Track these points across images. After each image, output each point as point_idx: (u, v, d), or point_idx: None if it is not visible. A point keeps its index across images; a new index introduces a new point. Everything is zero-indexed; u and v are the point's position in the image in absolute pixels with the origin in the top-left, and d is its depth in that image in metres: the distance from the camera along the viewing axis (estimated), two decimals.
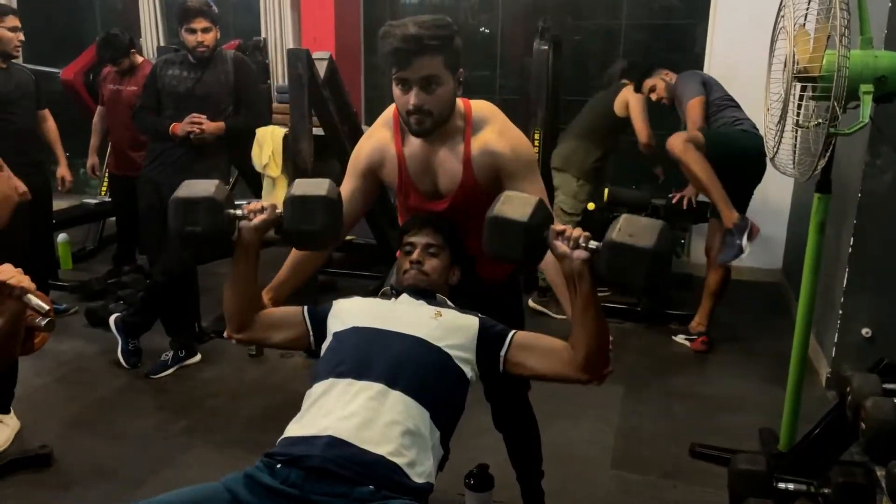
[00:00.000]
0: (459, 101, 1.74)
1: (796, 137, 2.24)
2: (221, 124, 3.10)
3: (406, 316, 1.60)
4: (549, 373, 1.58)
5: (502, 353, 1.58)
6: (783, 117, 2.12)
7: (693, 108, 3.60)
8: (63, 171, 4.00)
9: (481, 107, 1.77)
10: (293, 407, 2.94)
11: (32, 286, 1.44)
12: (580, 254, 1.42)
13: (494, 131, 1.73)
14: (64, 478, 2.51)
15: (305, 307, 1.72)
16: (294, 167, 3.30)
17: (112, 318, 3.40)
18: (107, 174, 4.61)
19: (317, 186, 1.59)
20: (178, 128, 3.06)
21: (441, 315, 1.61)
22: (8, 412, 2.73)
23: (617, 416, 2.97)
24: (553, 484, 2.24)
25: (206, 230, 1.53)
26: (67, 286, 4.32)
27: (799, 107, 2.19)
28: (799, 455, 2.08)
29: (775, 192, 4.54)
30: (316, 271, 1.91)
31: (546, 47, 4.19)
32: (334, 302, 1.71)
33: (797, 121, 2.19)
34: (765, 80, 2.31)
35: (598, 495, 2.46)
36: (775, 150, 2.22)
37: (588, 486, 2.50)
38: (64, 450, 2.64)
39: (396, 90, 1.65)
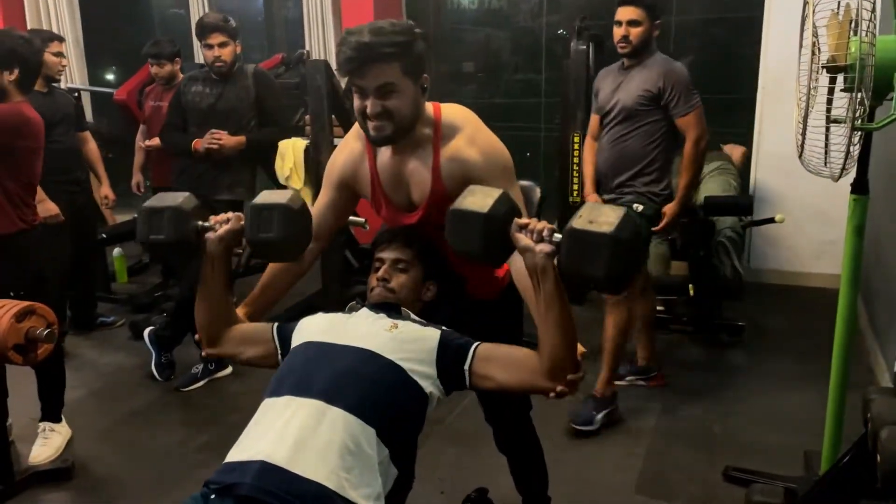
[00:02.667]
0: (429, 107, 1.65)
1: (827, 134, 2.04)
2: (242, 139, 3.11)
3: (359, 329, 1.53)
4: (515, 384, 1.49)
5: (466, 366, 1.49)
6: (806, 111, 1.92)
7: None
8: (105, 190, 4.12)
9: (452, 112, 1.67)
10: None
11: None
12: (543, 247, 1.34)
13: (464, 138, 1.63)
14: (80, 494, 2.54)
15: (275, 324, 1.67)
16: (317, 179, 3.27)
17: (146, 332, 3.46)
18: (152, 189, 4.73)
19: (279, 196, 1.57)
20: (199, 144, 3.09)
21: (397, 327, 1.52)
22: (59, 421, 2.80)
23: (649, 436, 2.79)
24: None
25: (170, 238, 1.56)
26: (118, 299, 4.46)
27: (829, 101, 2.00)
28: (824, 487, 1.86)
29: (844, 193, 4.23)
30: (290, 285, 1.86)
31: (584, 47, 4.03)
32: (301, 320, 1.65)
33: (827, 115, 1.99)
34: None
35: None
36: (800, 147, 2.02)
37: None
38: (86, 463, 2.69)
39: (355, 98, 1.58)
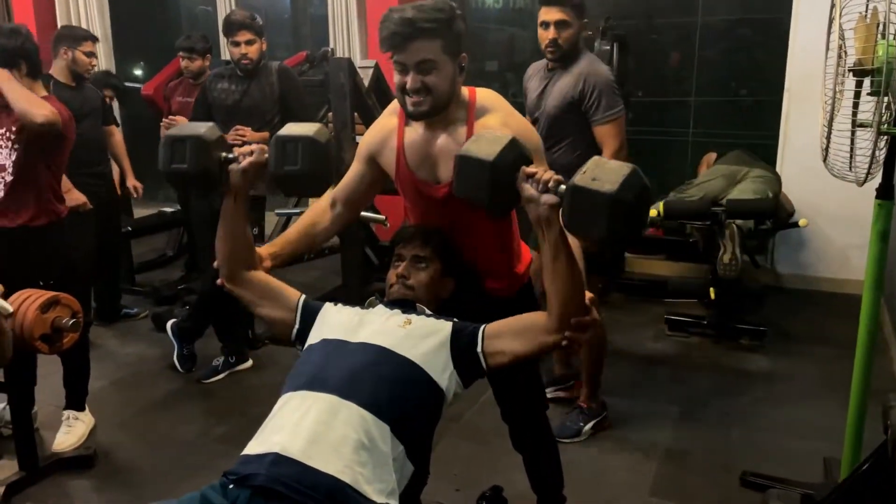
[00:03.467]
0: (464, 89, 1.69)
1: (853, 138, 2.02)
2: (265, 135, 3.14)
3: (374, 326, 1.54)
4: (528, 348, 1.50)
5: (479, 349, 1.50)
6: (832, 115, 1.90)
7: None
8: (132, 181, 4.17)
9: (486, 95, 1.71)
10: None
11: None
12: (548, 198, 1.34)
13: (498, 119, 1.66)
14: (104, 481, 2.59)
15: (303, 298, 1.69)
16: (339, 176, 3.29)
17: (169, 324, 3.51)
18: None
19: (304, 128, 1.55)
20: None
21: (410, 323, 1.54)
22: (83, 409, 2.87)
23: (667, 439, 2.78)
24: None
25: (192, 168, 1.53)
26: (141, 291, 4.52)
27: (856, 104, 1.97)
28: (842, 495, 1.85)
29: (871, 197, 4.17)
30: (323, 241, 1.92)
31: (608, 47, 4.02)
32: (326, 304, 1.67)
33: (853, 119, 1.97)
34: None
35: None
36: (825, 151, 2.00)
37: None
38: (108, 451, 2.74)
39: (395, 73, 1.62)
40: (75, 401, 2.84)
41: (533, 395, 2.00)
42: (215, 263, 1.69)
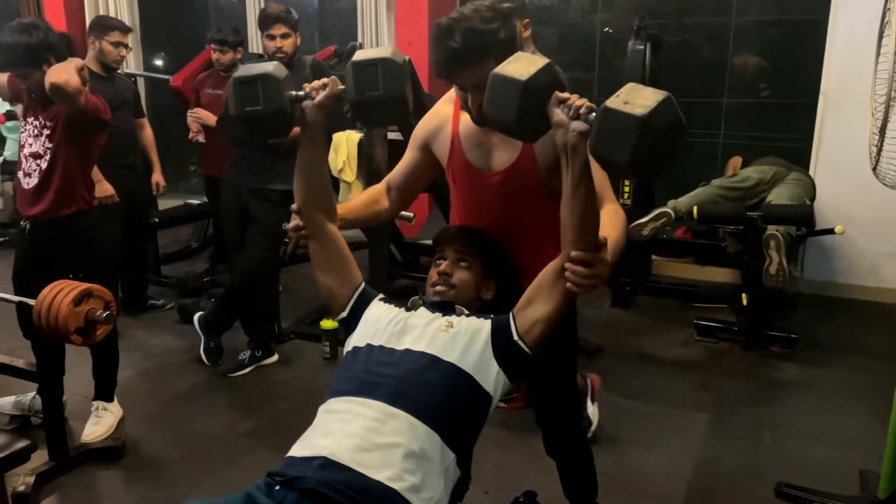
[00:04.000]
0: None
1: None
2: (298, 129, 3.11)
3: (418, 331, 1.52)
4: (556, 302, 1.46)
5: (515, 337, 1.48)
6: (884, 122, 1.85)
7: None
8: (157, 176, 4.17)
9: None
10: None
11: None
12: (577, 125, 1.29)
13: None
14: (133, 472, 2.59)
15: (363, 284, 1.67)
16: (369, 172, 3.27)
17: (196, 317, 3.52)
18: (202, 176, 4.78)
19: (380, 50, 1.50)
20: None
21: (452, 325, 1.51)
22: (112, 400, 2.87)
23: (699, 447, 2.74)
24: None
25: (266, 109, 1.48)
26: (167, 283, 4.54)
27: None
28: None
29: None
30: (384, 219, 1.95)
31: (641, 47, 3.97)
32: (375, 300, 1.65)
33: None
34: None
35: None
36: (876, 158, 1.95)
37: None
38: (136, 443, 2.74)
39: (455, 86, 1.63)
40: (104, 391, 2.85)
41: (569, 400, 1.96)
42: (293, 206, 1.64)
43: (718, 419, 2.95)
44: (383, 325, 1.56)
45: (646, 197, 4.28)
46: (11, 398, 2.84)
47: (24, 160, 2.60)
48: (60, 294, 2.22)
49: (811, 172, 4.37)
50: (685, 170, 4.97)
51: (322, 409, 1.47)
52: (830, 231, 3.45)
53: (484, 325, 1.51)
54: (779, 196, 3.76)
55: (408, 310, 1.61)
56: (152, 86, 6.59)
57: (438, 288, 1.64)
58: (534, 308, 1.48)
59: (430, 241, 4.58)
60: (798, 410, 3.04)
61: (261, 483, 1.36)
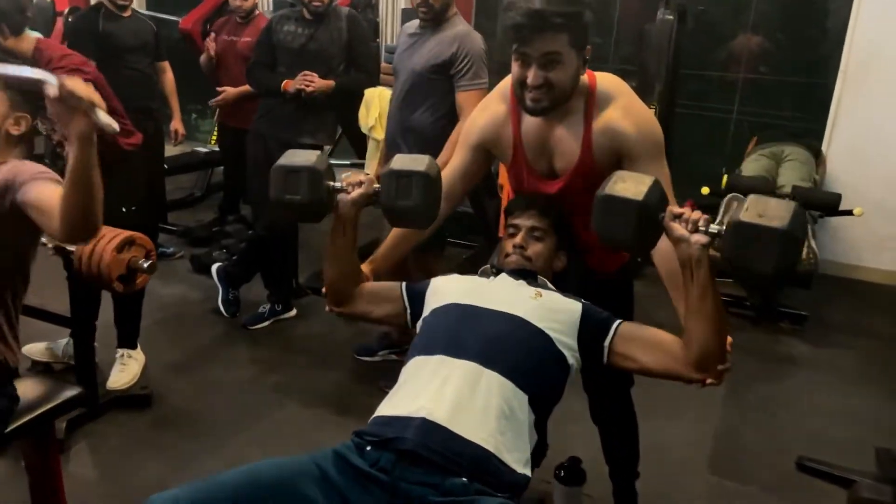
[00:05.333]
0: (584, 76, 1.62)
1: None
2: (332, 82, 3.06)
3: (504, 294, 1.53)
4: (658, 369, 1.49)
5: (606, 342, 1.49)
6: None
7: None
8: (176, 124, 4.09)
9: (607, 81, 1.64)
10: (379, 372, 2.93)
11: (102, 103, 1.37)
12: (699, 238, 1.32)
13: (619, 108, 1.60)
14: (162, 421, 2.59)
15: (404, 284, 1.68)
16: None
17: (214, 267, 3.48)
18: (217, 124, 4.69)
19: (416, 162, 1.55)
20: (290, 85, 3.04)
21: (541, 296, 1.52)
22: (135, 347, 2.82)
23: (717, 419, 2.80)
24: (646, 484, 2.12)
25: (305, 199, 1.55)
26: (175, 231, 4.48)
27: None
28: None
29: None
30: (412, 247, 1.88)
31: (671, 17, 3.94)
32: (432, 280, 1.67)
33: None
34: None
35: (694, 503, 2.32)
36: None
37: (684, 492, 2.37)
38: (162, 392, 2.73)
39: (515, 65, 1.57)
40: (128, 339, 2.82)
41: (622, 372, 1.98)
42: (324, 290, 1.69)
43: (734, 393, 3.01)
44: (464, 287, 1.57)
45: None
46: (42, 344, 2.80)
47: None
48: (103, 241, 2.19)
49: (824, 151, 4.41)
50: (694, 145, 4.99)
51: (409, 366, 1.47)
52: (849, 213, 3.49)
53: (575, 307, 1.52)
54: (789, 180, 3.78)
55: (483, 276, 1.62)
56: (156, 27, 6.38)
57: (514, 259, 1.64)
58: (639, 350, 1.49)
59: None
60: (810, 388, 3.12)
61: (349, 443, 1.36)
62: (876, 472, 2.43)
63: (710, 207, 4.60)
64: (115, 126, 1.39)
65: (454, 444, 1.29)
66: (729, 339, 1.47)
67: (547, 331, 1.46)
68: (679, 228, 1.34)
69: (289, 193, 1.55)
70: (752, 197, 1.31)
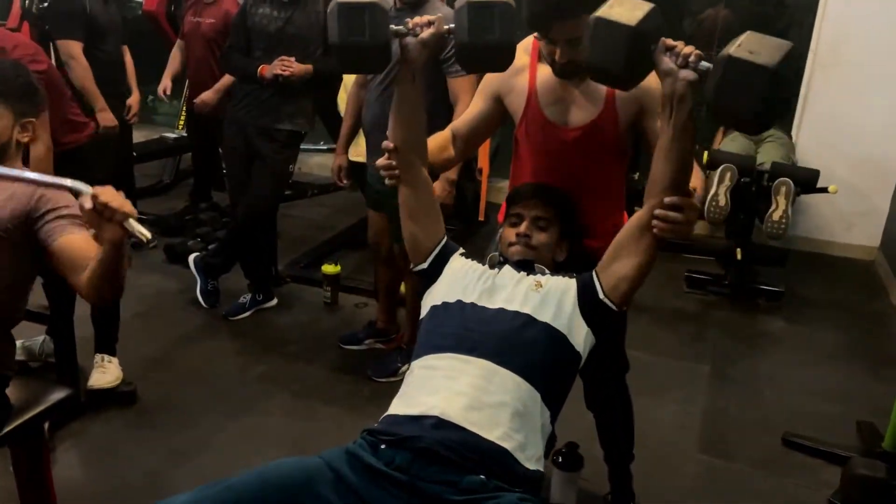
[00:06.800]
0: None
1: None
2: (310, 67, 2.99)
3: (508, 290, 1.51)
4: (643, 257, 1.45)
5: (601, 296, 1.48)
6: None
7: None
8: (133, 100, 3.90)
9: None
10: (365, 361, 2.87)
11: (134, 212, 1.36)
12: (687, 73, 1.28)
13: None
14: (148, 417, 2.54)
15: (446, 238, 1.64)
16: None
17: (192, 258, 3.41)
18: (184, 109, 4.57)
19: None
20: (266, 70, 2.97)
21: (542, 285, 1.52)
22: (114, 354, 2.68)
23: (702, 398, 2.85)
24: (637, 465, 2.15)
25: (370, 41, 1.42)
26: (145, 220, 4.36)
27: None
28: None
29: (880, 159, 4.27)
30: (451, 165, 1.96)
31: None
32: (455, 255, 1.63)
33: None
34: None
35: (685, 482, 2.36)
36: None
37: (674, 471, 2.40)
38: (146, 388, 2.67)
39: (542, 42, 1.58)
40: (106, 343, 2.67)
41: (615, 354, 1.99)
42: (387, 144, 1.58)
43: (718, 371, 3.06)
44: (472, 281, 1.55)
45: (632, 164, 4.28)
46: (19, 342, 2.70)
47: None
48: None
49: (794, 132, 4.47)
50: None
51: (419, 364, 1.45)
52: (825, 190, 3.55)
53: (570, 285, 1.52)
54: (768, 157, 3.83)
55: (491, 267, 1.60)
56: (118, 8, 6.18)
57: (518, 248, 1.63)
58: (619, 264, 1.47)
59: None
60: (790, 363, 3.18)
61: (361, 441, 1.34)
62: (859, 446, 2.50)
63: None
64: (148, 234, 1.39)
65: (470, 441, 1.28)
66: (696, 182, 1.44)
67: (553, 323, 1.46)
68: (668, 62, 1.29)
69: (353, 35, 1.40)
70: (747, 33, 1.24)
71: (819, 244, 4.50)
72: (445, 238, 1.64)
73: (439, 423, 1.29)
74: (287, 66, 2.94)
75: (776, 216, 3.39)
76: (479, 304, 1.50)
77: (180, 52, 4.16)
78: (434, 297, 1.57)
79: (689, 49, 1.28)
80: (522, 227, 1.64)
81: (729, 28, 4.85)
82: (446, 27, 1.45)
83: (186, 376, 2.81)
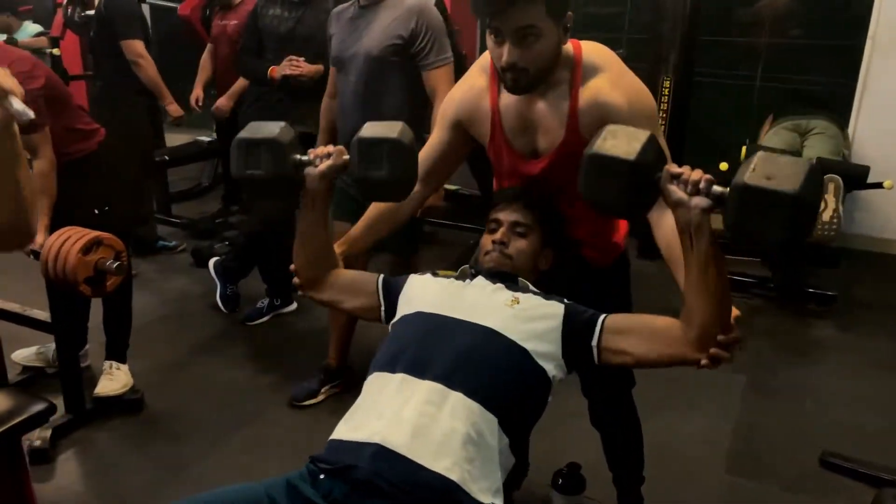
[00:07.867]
0: (568, 46, 1.45)
1: None
2: (320, 67, 2.92)
3: (477, 302, 1.39)
4: (656, 357, 1.33)
5: (594, 342, 1.34)
6: None
7: None
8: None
9: (593, 51, 1.47)
10: None
11: (20, 91, 1.23)
12: (700, 201, 1.15)
13: (607, 80, 1.43)
14: (152, 427, 2.50)
15: (381, 277, 1.55)
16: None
17: (211, 262, 3.40)
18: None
19: (388, 129, 1.40)
20: (276, 71, 2.91)
21: (518, 302, 1.37)
22: (125, 361, 2.66)
23: (736, 411, 2.64)
24: (657, 485, 1.99)
25: (268, 174, 1.41)
26: (177, 223, 4.40)
27: None
28: None
29: None
30: (390, 231, 1.71)
31: None
32: (410, 277, 1.53)
33: None
34: None
35: None
36: None
37: (697, 492, 2.22)
38: (155, 395, 2.64)
39: (490, 40, 1.41)
40: (116, 351, 2.65)
41: (621, 371, 1.84)
42: (292, 267, 1.55)
43: (756, 381, 2.84)
44: (436, 293, 1.44)
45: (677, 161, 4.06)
46: (33, 349, 2.74)
47: None
48: (68, 242, 2.09)
49: (851, 121, 4.17)
50: (717, 114, 4.77)
51: (369, 382, 1.34)
52: (879, 185, 3.27)
53: (556, 310, 1.37)
54: (815, 151, 3.56)
55: (461, 279, 1.48)
56: (154, 13, 6.29)
57: (493, 256, 1.50)
58: (633, 342, 1.33)
59: (455, 188, 4.36)
60: (838, 373, 2.93)
61: (303, 470, 1.24)
62: None
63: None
64: (31, 114, 1.23)
65: (414, 474, 1.16)
66: (735, 311, 1.29)
67: (522, 343, 1.32)
68: (677, 191, 1.17)
69: (250, 168, 1.41)
70: (759, 155, 1.13)
71: (877, 243, 4.18)
72: (380, 279, 1.54)
73: (379, 453, 1.18)
74: (296, 65, 2.88)
75: (826, 216, 3.13)
76: (443, 314, 1.38)
77: (211, 58, 4.17)
78: (398, 315, 1.47)
79: (696, 174, 1.16)
80: (499, 234, 1.51)
81: (791, 14, 4.59)
82: (344, 159, 1.41)
83: (197, 383, 2.78)
